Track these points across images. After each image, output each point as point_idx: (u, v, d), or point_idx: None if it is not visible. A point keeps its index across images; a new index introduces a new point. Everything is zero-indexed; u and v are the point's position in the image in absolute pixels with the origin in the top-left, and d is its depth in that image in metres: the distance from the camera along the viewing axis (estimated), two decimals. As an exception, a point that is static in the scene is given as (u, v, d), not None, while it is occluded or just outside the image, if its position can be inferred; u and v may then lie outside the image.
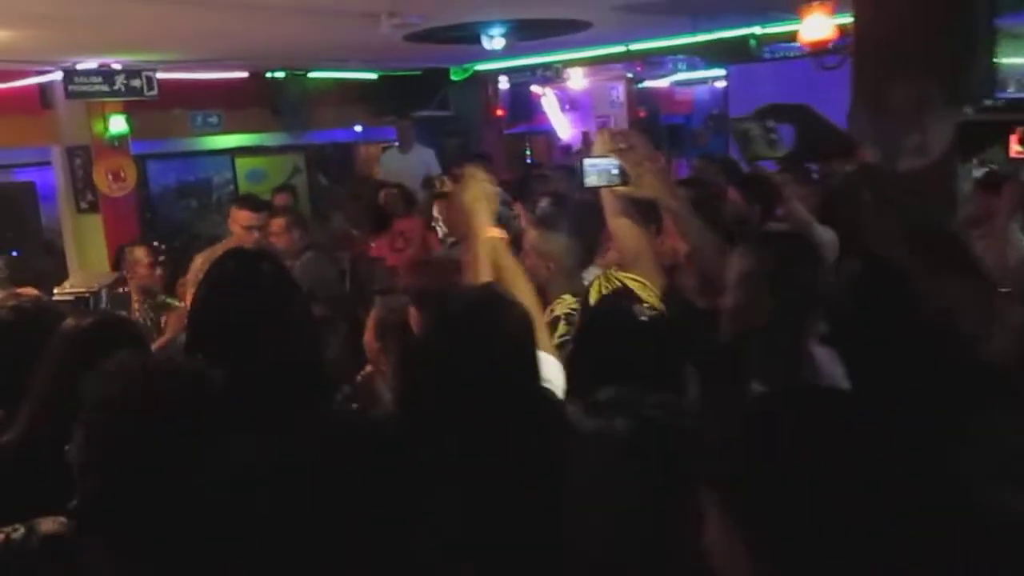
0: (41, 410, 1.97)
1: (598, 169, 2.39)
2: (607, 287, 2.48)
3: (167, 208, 8.22)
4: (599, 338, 2.02)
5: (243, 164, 8.86)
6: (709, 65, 8.94)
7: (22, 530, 1.66)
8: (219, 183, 8.79)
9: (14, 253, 6.30)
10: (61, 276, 6.96)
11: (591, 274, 2.93)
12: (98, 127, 6.61)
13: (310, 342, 2.11)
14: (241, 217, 4.96)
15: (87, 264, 6.81)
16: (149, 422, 1.54)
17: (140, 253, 4.85)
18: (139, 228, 6.85)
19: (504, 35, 6.27)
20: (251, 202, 5.04)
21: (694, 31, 6.11)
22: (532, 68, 9.44)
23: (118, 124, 6.55)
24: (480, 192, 2.32)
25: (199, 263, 5.12)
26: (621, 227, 2.70)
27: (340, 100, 9.07)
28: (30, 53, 6.04)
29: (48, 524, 1.70)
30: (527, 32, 6.34)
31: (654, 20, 6.46)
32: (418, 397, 1.71)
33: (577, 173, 2.52)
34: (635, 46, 7.78)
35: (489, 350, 1.67)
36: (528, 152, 11.03)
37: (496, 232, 2.30)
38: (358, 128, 9.42)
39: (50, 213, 7.07)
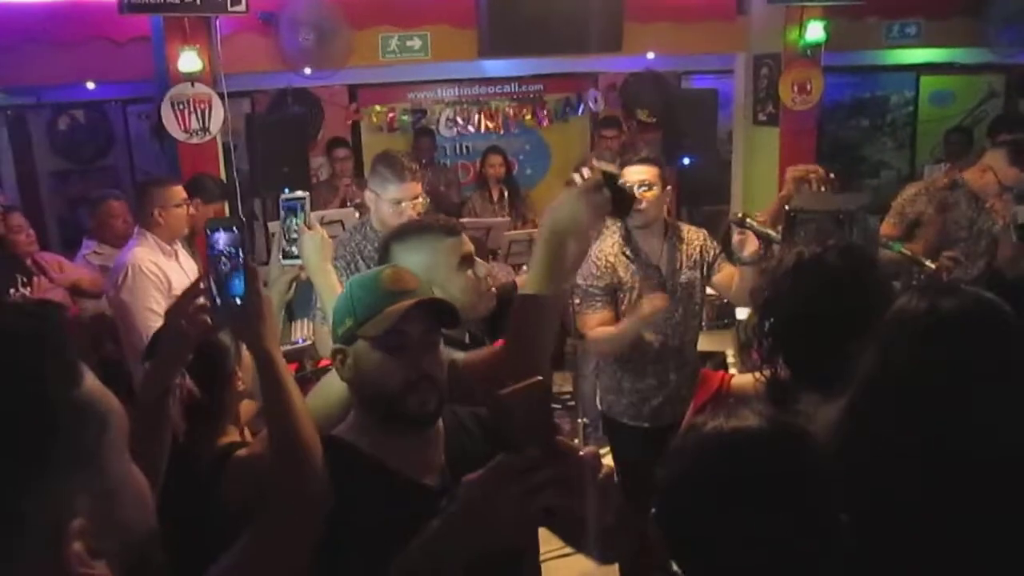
0: (864, 400, 1.45)
1: None
2: None
3: (836, 126, 7.58)
4: None
5: (928, 83, 7.74)
6: None
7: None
8: (896, 103, 7.84)
9: (688, 160, 6.30)
10: (726, 190, 6.87)
11: None
12: (792, 35, 6.15)
13: None
14: (1009, 175, 4.01)
15: (754, 179, 6.55)
16: None
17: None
18: (816, 146, 6.33)
19: None
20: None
21: None
22: None
23: (815, 32, 6.01)
24: None
25: (911, 194, 4.35)
26: None
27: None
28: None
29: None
30: None
31: None
32: None
33: None
34: None
35: None
36: None
37: None
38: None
39: (722, 124, 6.94)
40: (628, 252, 3.38)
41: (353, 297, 1.55)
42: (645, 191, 3.30)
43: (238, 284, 1.44)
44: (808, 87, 6.15)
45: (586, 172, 1.66)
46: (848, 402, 1.43)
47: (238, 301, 1.44)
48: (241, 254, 1.45)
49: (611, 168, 1.71)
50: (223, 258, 1.45)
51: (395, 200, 3.05)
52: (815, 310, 1.70)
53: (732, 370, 4.26)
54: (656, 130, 7.38)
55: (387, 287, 1.54)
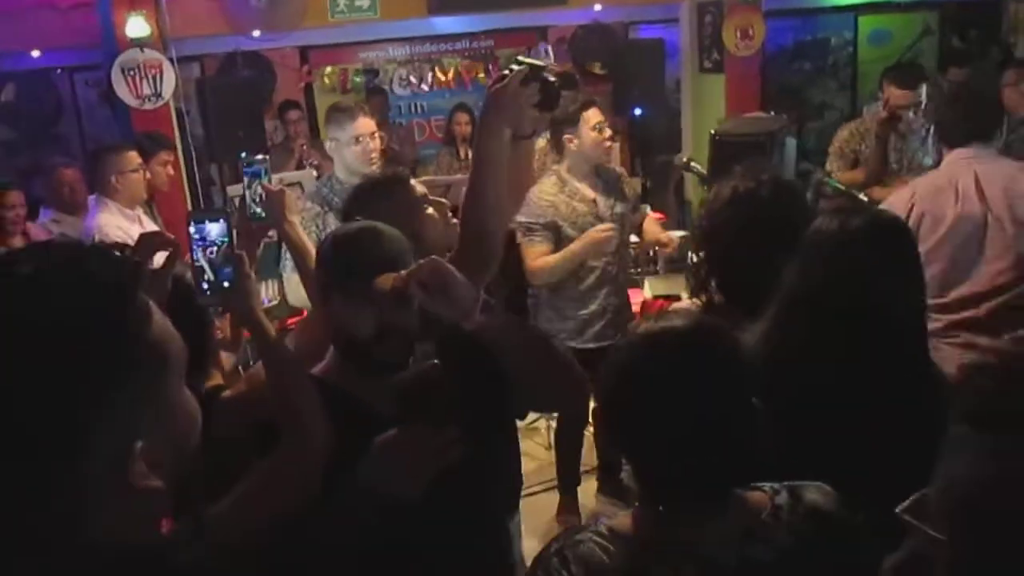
0: (784, 313, 1.64)
1: None
2: None
3: (779, 71, 7.74)
4: None
5: (866, 23, 7.93)
6: None
7: (786, 496, 1.34)
8: (837, 44, 8.02)
9: (638, 111, 6.43)
10: (677, 139, 7.01)
11: None
12: (742, -19, 6.28)
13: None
14: (897, 96, 4.28)
15: (703, 127, 6.70)
16: None
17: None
18: (760, 91, 6.49)
19: None
20: (906, 77, 4.32)
21: None
22: None
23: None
24: None
25: (845, 135, 4.59)
26: None
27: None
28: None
29: (815, 494, 1.35)
30: None
31: None
32: None
33: None
34: None
35: None
36: None
37: None
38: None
39: (671, 73, 7.06)
40: (567, 190, 3.65)
41: (333, 250, 1.65)
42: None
43: (229, 269, 1.55)
44: (750, 32, 6.29)
45: (514, 67, 1.79)
46: (772, 312, 1.61)
47: (226, 284, 1.55)
48: (230, 242, 1.56)
49: (538, 62, 1.81)
50: (214, 246, 1.56)
51: (355, 137, 3.23)
52: (748, 241, 1.86)
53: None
54: (606, 82, 7.48)
55: (365, 248, 1.61)
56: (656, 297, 4.13)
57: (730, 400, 1.19)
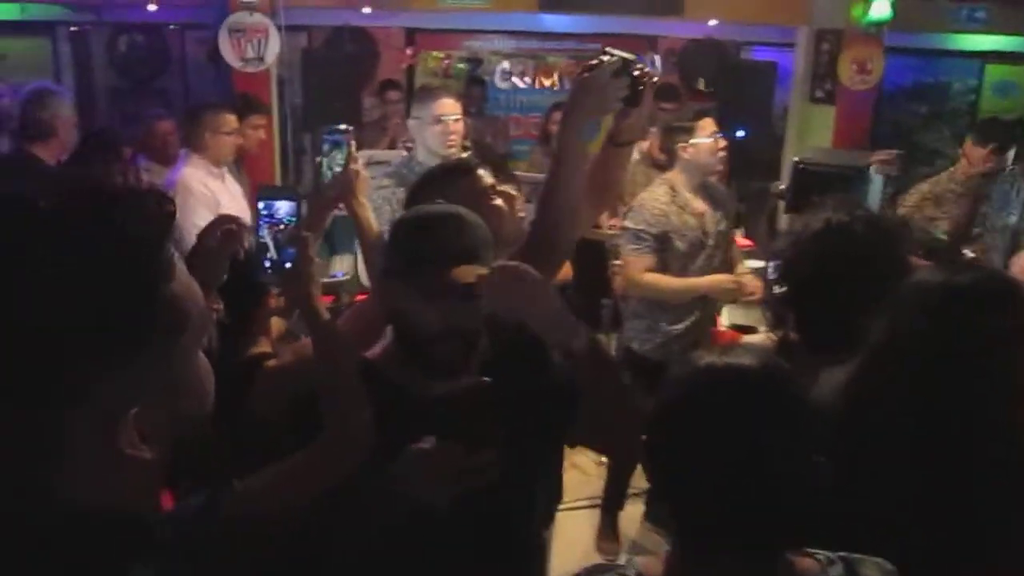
0: (873, 364, 1.50)
1: None
2: None
3: (894, 110, 7.43)
4: None
5: (993, 72, 7.54)
6: None
7: (841, 568, 1.21)
8: (958, 91, 7.65)
9: (742, 133, 6.23)
10: (778, 167, 6.78)
11: None
12: (856, 11, 6.02)
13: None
14: (981, 158, 4.05)
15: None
16: None
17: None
18: (870, 129, 6.23)
19: None
20: (998, 140, 4.04)
21: None
22: None
23: (880, 9, 5.87)
24: None
25: (915, 199, 4.32)
26: None
27: None
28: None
29: (872, 570, 1.22)
30: None
31: None
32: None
33: None
34: None
35: None
36: None
37: None
38: None
39: (779, 99, 6.84)
40: (679, 201, 3.57)
41: (409, 231, 1.53)
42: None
43: (292, 251, 1.51)
44: (868, 66, 6.03)
45: (604, 57, 1.70)
46: (857, 366, 1.48)
47: (288, 265, 1.51)
48: (298, 222, 1.54)
49: (628, 55, 1.73)
50: (281, 225, 1.54)
51: (436, 117, 3.21)
52: (836, 276, 1.72)
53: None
54: (710, 100, 7.30)
55: (447, 234, 1.49)
56: (732, 327, 3.98)
57: (787, 452, 1.07)
